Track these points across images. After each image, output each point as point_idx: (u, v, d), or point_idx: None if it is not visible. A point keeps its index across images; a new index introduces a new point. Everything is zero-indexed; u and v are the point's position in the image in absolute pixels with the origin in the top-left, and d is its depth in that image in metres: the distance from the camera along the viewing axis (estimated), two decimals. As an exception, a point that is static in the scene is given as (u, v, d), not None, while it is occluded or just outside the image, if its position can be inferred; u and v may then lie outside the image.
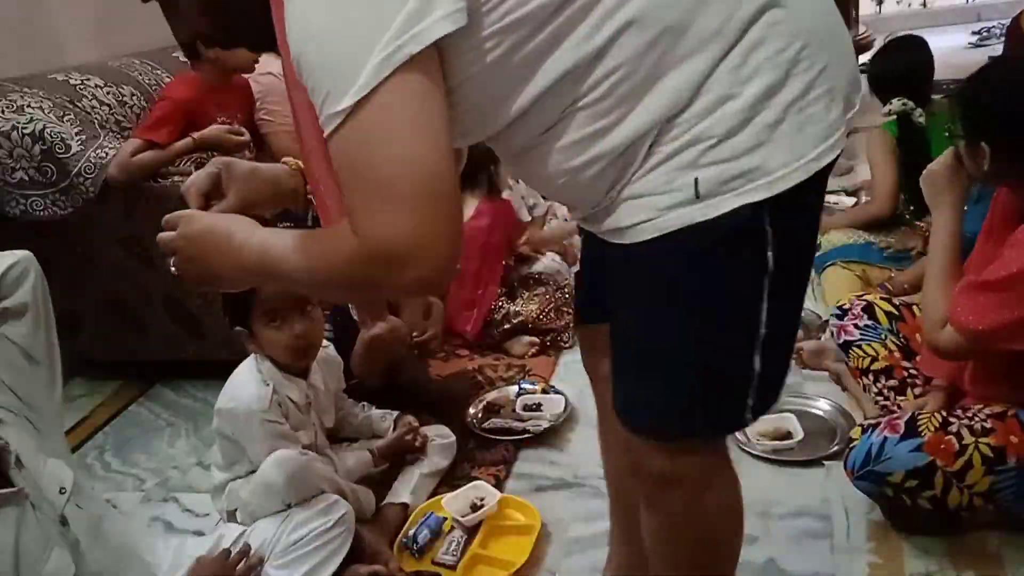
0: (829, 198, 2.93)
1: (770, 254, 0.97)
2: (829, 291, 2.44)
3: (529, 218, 3.01)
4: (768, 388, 1.07)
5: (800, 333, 2.39)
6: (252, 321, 1.73)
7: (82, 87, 2.52)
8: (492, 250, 2.61)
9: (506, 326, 2.56)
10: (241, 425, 1.69)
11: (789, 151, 0.93)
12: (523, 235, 2.89)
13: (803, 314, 2.41)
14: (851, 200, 2.92)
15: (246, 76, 2.70)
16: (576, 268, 2.92)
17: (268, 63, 2.72)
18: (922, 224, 2.67)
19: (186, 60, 2.87)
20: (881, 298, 2.01)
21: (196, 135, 2.38)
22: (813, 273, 2.61)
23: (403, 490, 1.89)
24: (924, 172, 1.67)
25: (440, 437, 2.01)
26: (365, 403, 2.03)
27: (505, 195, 2.88)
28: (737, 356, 1.03)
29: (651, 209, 0.95)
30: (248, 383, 1.72)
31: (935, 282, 1.57)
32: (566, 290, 2.72)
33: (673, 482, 1.10)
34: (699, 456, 1.10)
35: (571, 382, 2.34)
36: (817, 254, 2.59)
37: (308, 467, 1.68)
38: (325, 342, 1.89)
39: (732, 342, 1.02)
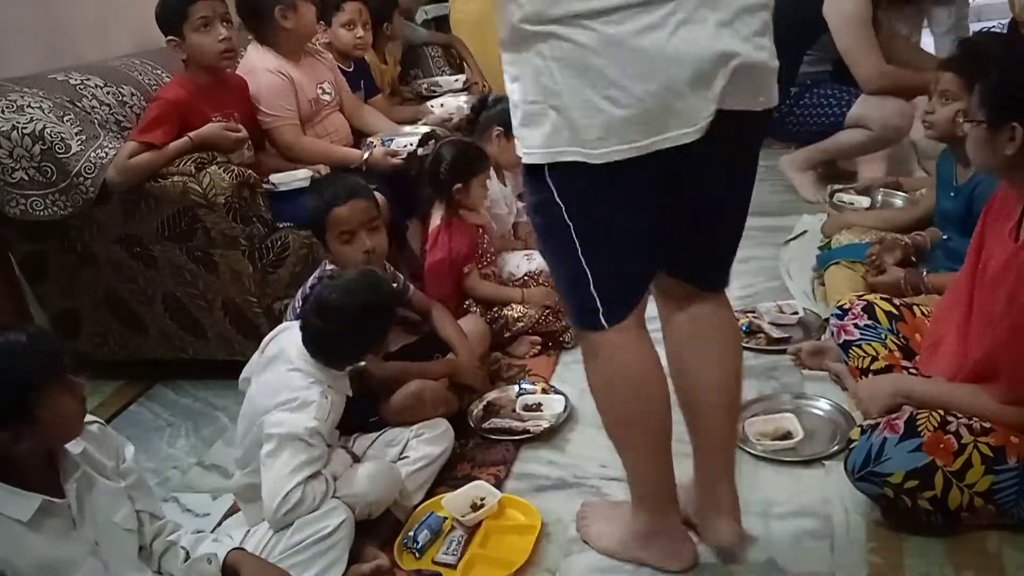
0: (843, 197, 2.92)
1: (559, 200, 1.38)
2: (831, 290, 2.43)
3: (511, 221, 2.99)
4: (610, 296, 1.45)
5: (800, 333, 2.41)
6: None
7: (82, 87, 2.51)
8: (453, 275, 2.58)
9: (507, 334, 2.55)
10: (304, 433, 1.64)
11: (547, 139, 1.32)
12: (500, 243, 2.84)
13: (802, 314, 2.46)
14: (866, 200, 2.91)
15: (241, 74, 2.71)
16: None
17: (265, 59, 2.72)
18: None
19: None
20: (881, 298, 2.01)
21: (193, 134, 2.37)
22: (813, 272, 2.66)
23: (403, 502, 1.86)
24: (858, 396, 1.79)
25: (430, 430, 1.97)
26: None
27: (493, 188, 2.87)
28: (570, 262, 1.43)
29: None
30: (310, 389, 1.68)
31: (967, 397, 1.59)
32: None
33: (581, 352, 1.59)
34: (586, 337, 1.53)
35: (571, 382, 2.33)
36: (821, 253, 2.59)
37: (400, 478, 1.81)
38: None
39: (562, 248, 1.43)
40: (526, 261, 2.74)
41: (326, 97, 2.89)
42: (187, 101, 2.44)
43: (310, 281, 2.04)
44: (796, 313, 2.49)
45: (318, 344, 1.73)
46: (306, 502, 1.63)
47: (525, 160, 1.38)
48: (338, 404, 1.75)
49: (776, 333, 2.41)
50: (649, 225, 1.43)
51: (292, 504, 1.62)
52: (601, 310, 1.45)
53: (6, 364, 1.25)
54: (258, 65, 2.72)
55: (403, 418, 1.99)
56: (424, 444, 1.94)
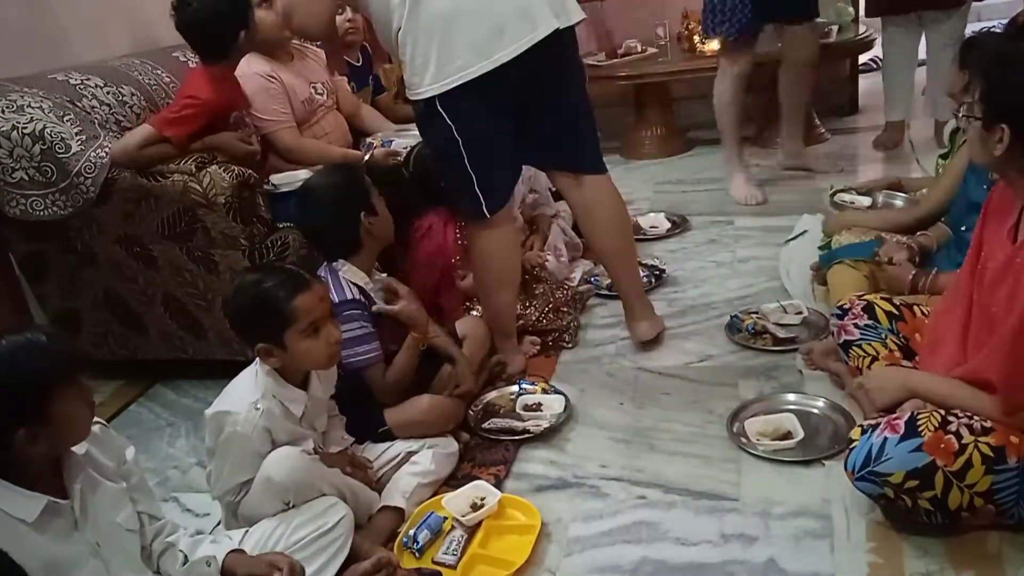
0: (844, 197, 2.92)
1: (448, 122, 2.03)
2: (835, 290, 2.42)
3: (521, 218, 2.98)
4: (490, 191, 2.15)
5: (805, 333, 2.40)
6: (285, 336, 1.68)
7: (82, 87, 2.51)
8: (443, 267, 2.60)
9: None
10: (222, 440, 1.67)
11: (432, 78, 1.99)
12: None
13: (806, 314, 2.46)
14: (867, 200, 2.91)
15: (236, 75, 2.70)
16: (575, 263, 2.94)
17: (253, 63, 2.72)
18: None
19: (185, 60, 2.88)
20: (881, 298, 2.01)
21: (208, 140, 2.37)
22: (812, 272, 2.65)
23: (397, 495, 1.87)
24: (865, 386, 1.79)
25: (442, 447, 1.99)
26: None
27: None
28: (460, 170, 2.10)
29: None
30: (242, 399, 1.69)
31: (974, 401, 1.58)
32: (567, 288, 2.72)
33: (468, 236, 2.34)
34: (473, 227, 2.25)
35: (571, 382, 2.34)
36: (824, 253, 2.59)
37: (311, 467, 1.69)
38: None
39: (453, 161, 2.09)
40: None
41: (320, 97, 2.88)
42: (216, 101, 2.41)
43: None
44: (800, 313, 2.48)
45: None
46: (245, 505, 1.70)
47: (421, 97, 2.02)
48: (279, 414, 1.71)
49: (782, 334, 2.40)
50: (512, 127, 2.11)
51: (227, 503, 1.73)
52: (484, 203, 2.14)
53: (27, 362, 1.25)
54: (248, 70, 2.70)
55: (412, 432, 1.99)
56: (432, 459, 1.95)
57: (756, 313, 2.51)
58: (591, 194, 2.30)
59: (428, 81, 1.98)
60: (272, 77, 2.72)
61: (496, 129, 2.09)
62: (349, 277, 2.03)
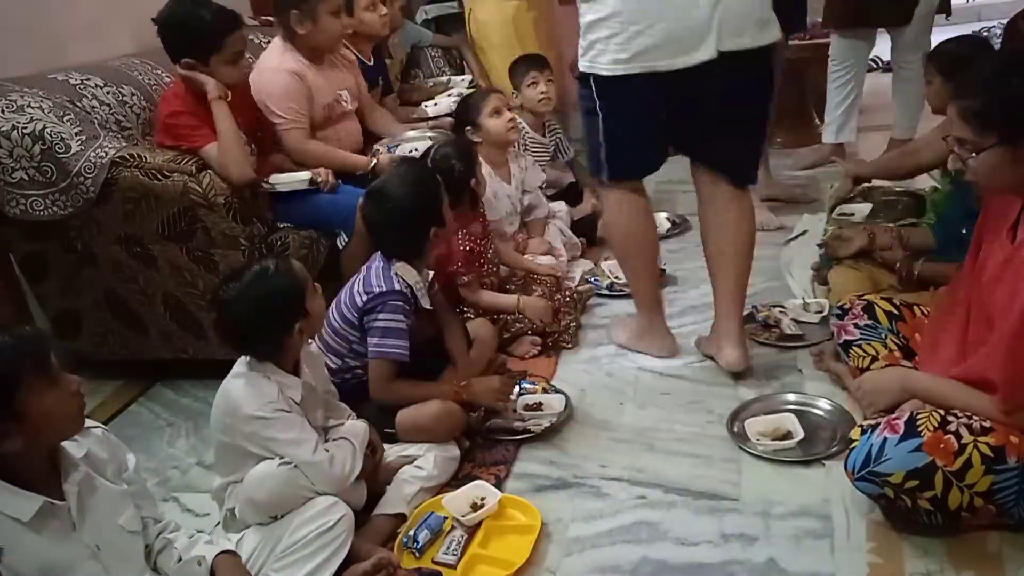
0: (845, 208, 2.89)
1: (598, 102, 2.11)
2: (836, 291, 2.42)
3: (517, 222, 2.99)
4: (614, 163, 2.21)
5: (819, 334, 2.38)
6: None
7: (82, 87, 2.51)
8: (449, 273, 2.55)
9: (506, 335, 2.55)
10: (258, 429, 1.65)
11: (607, 62, 2.04)
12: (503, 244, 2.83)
13: (826, 313, 2.41)
14: (866, 207, 2.91)
15: (260, 68, 2.69)
16: (574, 263, 2.95)
17: (285, 58, 2.70)
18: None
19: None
20: (882, 298, 2.01)
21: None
22: (812, 272, 2.65)
23: (399, 501, 1.87)
24: (863, 389, 1.81)
25: (443, 451, 1.98)
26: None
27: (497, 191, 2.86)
28: (594, 133, 2.18)
29: None
30: (252, 385, 1.67)
31: (973, 401, 1.58)
32: (565, 291, 2.72)
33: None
34: (602, 189, 2.39)
35: (571, 382, 2.34)
36: (824, 252, 2.59)
37: (290, 477, 1.66)
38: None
39: (591, 124, 2.18)
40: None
41: (344, 104, 2.86)
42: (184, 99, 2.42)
43: (371, 283, 2.01)
44: (821, 312, 2.47)
45: (236, 335, 1.70)
46: (337, 458, 1.71)
47: (580, 70, 2.12)
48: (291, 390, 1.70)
49: (790, 330, 2.40)
50: (662, 121, 2.09)
51: (328, 466, 1.68)
52: (607, 170, 2.21)
53: None
54: (276, 63, 2.70)
55: (418, 437, 1.99)
56: (434, 462, 1.94)
57: (779, 307, 2.50)
58: (722, 202, 2.23)
59: (584, 63, 2.08)
60: (297, 75, 2.69)
61: (640, 121, 2.11)
62: (402, 274, 2.03)
